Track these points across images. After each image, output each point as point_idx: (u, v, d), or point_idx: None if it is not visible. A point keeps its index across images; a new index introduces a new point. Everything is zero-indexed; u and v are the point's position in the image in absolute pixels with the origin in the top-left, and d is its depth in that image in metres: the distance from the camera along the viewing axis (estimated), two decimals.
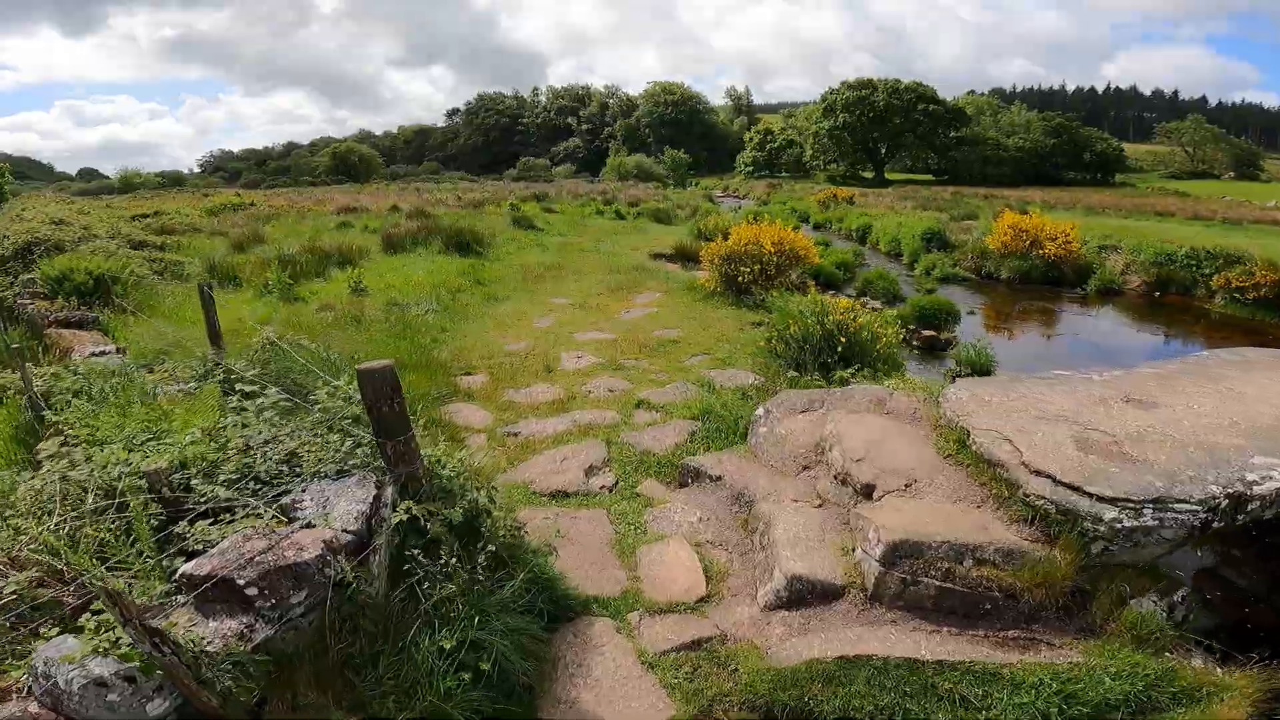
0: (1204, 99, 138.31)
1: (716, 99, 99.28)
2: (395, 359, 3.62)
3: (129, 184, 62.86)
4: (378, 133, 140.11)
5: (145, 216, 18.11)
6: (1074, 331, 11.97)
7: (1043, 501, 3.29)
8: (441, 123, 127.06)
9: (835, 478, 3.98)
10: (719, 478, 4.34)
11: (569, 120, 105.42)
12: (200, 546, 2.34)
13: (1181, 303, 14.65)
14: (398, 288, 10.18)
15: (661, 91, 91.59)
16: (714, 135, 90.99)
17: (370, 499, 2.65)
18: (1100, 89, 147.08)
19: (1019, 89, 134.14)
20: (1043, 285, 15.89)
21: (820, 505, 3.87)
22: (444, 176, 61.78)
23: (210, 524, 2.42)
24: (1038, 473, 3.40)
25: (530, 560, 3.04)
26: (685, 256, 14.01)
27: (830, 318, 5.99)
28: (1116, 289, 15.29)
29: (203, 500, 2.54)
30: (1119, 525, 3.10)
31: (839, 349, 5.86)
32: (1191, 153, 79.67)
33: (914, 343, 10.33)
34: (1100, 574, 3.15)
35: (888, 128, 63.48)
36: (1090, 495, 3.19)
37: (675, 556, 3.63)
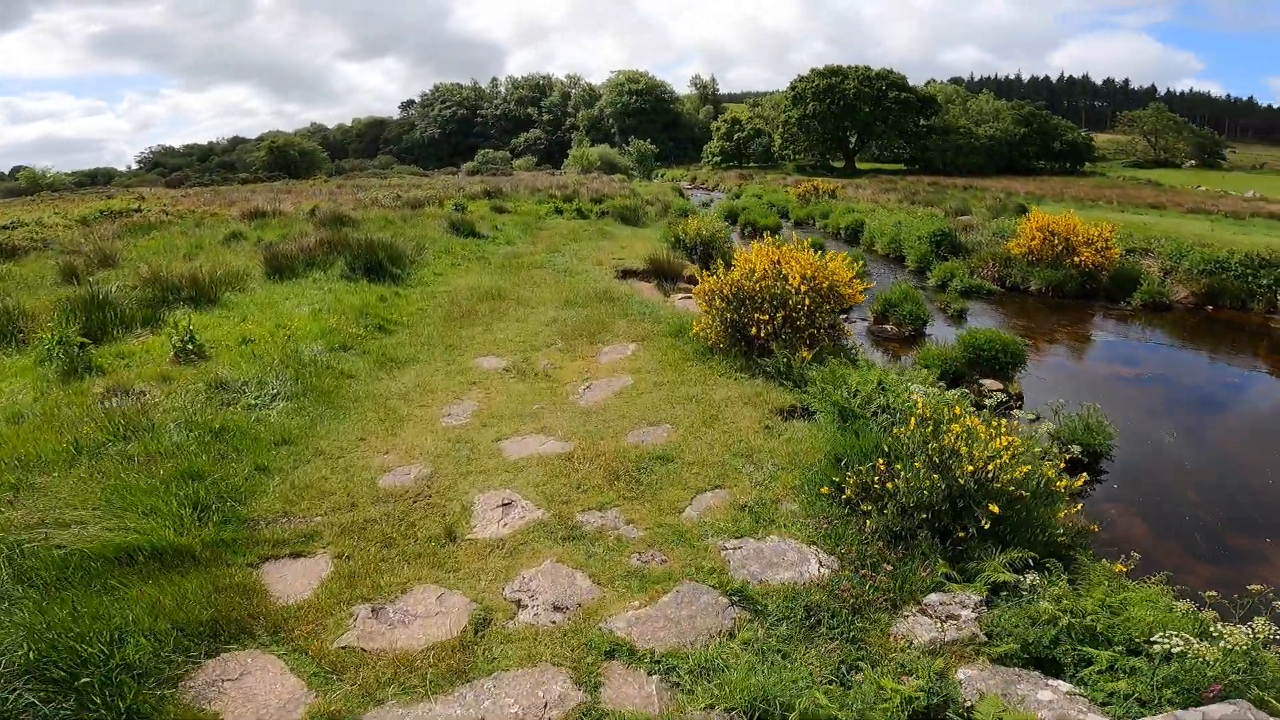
0: (1153, 88, 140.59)
1: (679, 89, 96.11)
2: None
3: (35, 184, 56.89)
4: (330, 126, 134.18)
5: None
6: (1147, 365, 9.53)
7: None
8: (396, 115, 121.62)
9: None
10: None
11: (529, 111, 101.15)
12: None
13: (1238, 318, 12.43)
14: (259, 342, 7.14)
15: (626, 80, 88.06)
16: (680, 125, 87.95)
17: None
18: (1053, 77, 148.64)
19: (976, 77, 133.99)
20: (1078, 298, 13.54)
21: None
22: (393, 171, 57.48)
23: None
24: None
25: None
26: (662, 274, 11.18)
27: (959, 463, 3.23)
28: (1165, 303, 12.99)
29: None
30: None
31: (981, 518, 3.13)
32: (1153, 141, 79.78)
33: (982, 403, 7.74)
34: None
35: (858, 116, 61.36)
36: None
37: None
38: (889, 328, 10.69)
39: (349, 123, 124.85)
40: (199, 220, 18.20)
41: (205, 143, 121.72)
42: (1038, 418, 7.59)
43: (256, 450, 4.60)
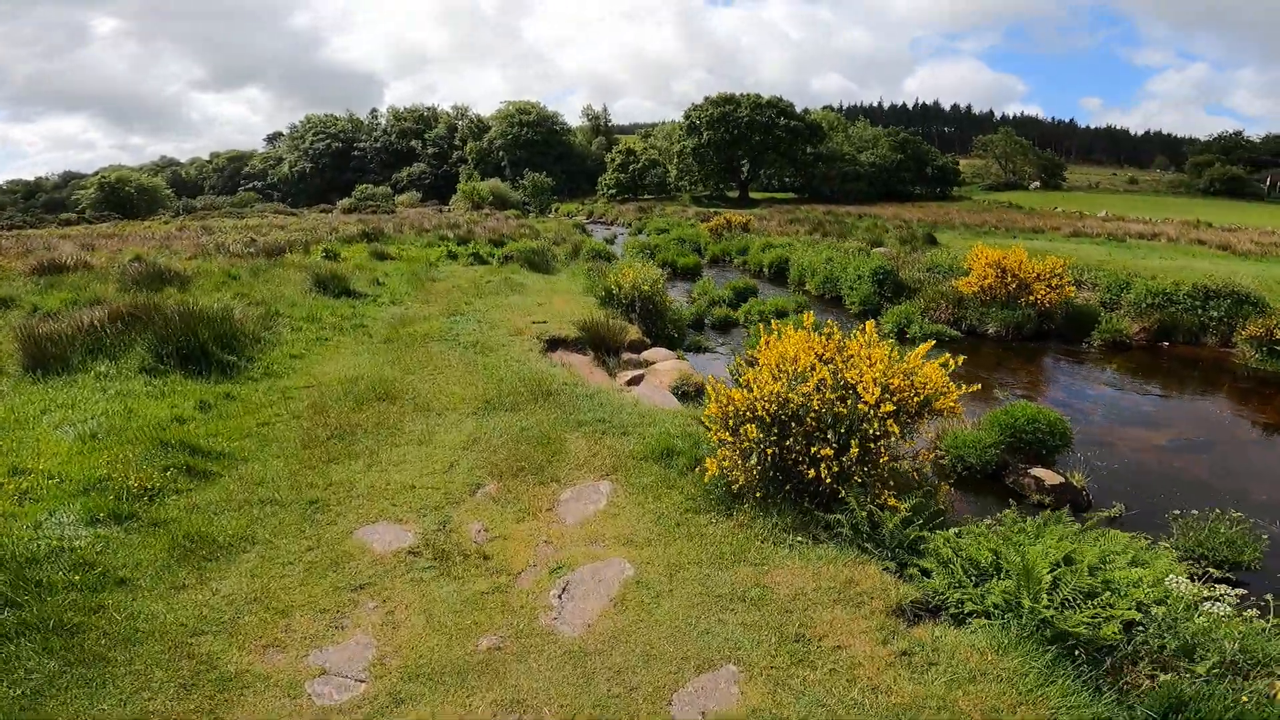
0: (991, 112, 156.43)
1: (569, 119, 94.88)
2: None
3: None
4: (183, 160, 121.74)
5: None
6: (1172, 425, 8.28)
7: None
8: (261, 148, 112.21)
9: None
10: None
11: (413, 144, 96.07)
12: None
13: (1197, 354, 11.87)
14: None
15: (516, 111, 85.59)
16: (572, 156, 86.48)
17: None
18: (909, 104, 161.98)
19: (845, 105, 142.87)
20: (1036, 340, 12.60)
21: None
22: (252, 210, 51.36)
23: None
24: None
25: None
26: (601, 343, 8.85)
27: None
28: (1126, 342, 12.26)
29: None
30: None
31: None
32: (1004, 164, 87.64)
33: (1039, 499, 5.97)
34: None
35: (751, 144, 62.50)
36: None
37: None
38: None
39: (207, 156, 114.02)
40: None
41: (33, 178, 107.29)
42: (1117, 516, 5.97)
43: None
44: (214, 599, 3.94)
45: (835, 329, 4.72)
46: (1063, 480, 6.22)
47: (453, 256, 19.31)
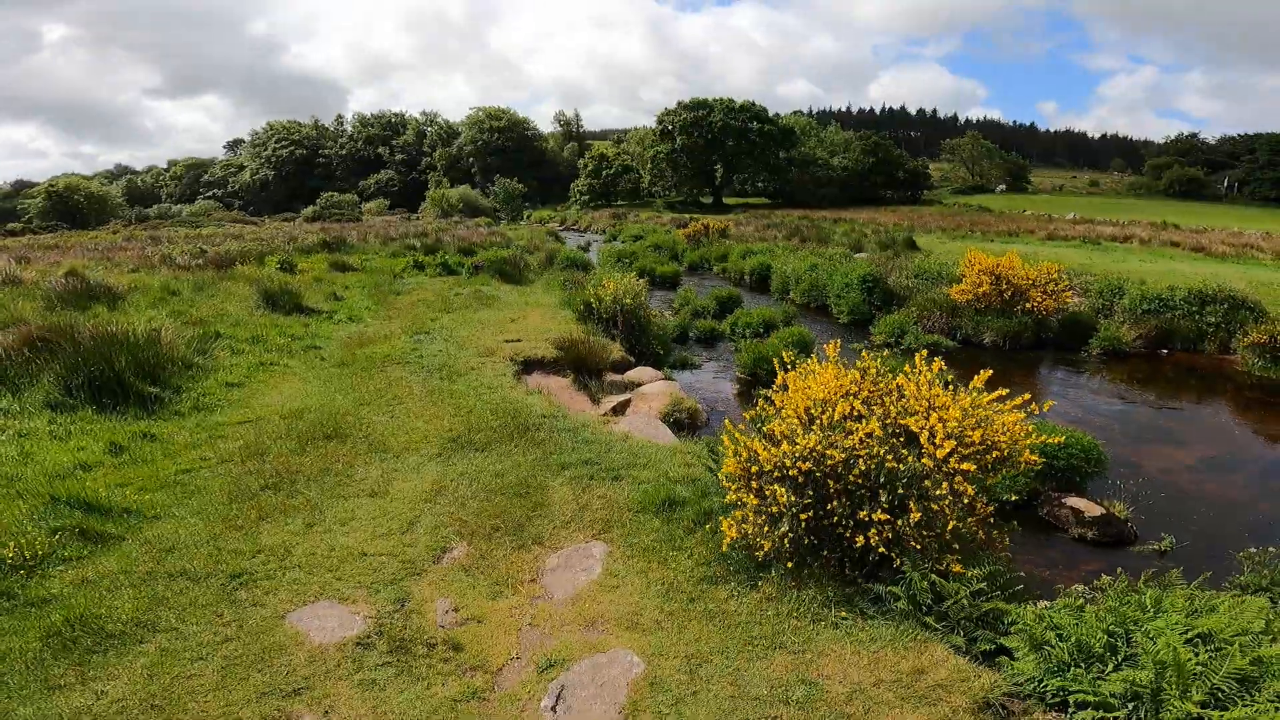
0: (955, 116, 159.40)
1: (541, 126, 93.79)
2: None
3: None
4: (139, 168, 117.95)
5: None
6: (1194, 442, 7.71)
7: None
8: (221, 155, 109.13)
9: None
10: None
11: (380, 150, 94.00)
12: None
13: (1194, 361, 11.46)
14: None
15: (487, 117, 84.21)
16: (545, 163, 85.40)
17: None
18: (876, 109, 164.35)
19: (813, 110, 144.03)
20: (1034, 349, 12.10)
21: None
22: (209, 220, 49.23)
23: None
24: None
25: None
26: (581, 365, 8.00)
27: None
28: (1124, 350, 11.81)
29: None
30: None
31: None
32: (972, 167, 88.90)
33: (1080, 533, 5.32)
34: None
35: (724, 149, 62.21)
36: None
37: None
38: None
39: (164, 165, 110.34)
40: None
41: None
42: (1168, 550, 5.37)
43: None
44: (98, 705, 3.07)
45: (869, 360, 3.96)
46: (1104, 511, 5.58)
47: (419, 267, 18.29)
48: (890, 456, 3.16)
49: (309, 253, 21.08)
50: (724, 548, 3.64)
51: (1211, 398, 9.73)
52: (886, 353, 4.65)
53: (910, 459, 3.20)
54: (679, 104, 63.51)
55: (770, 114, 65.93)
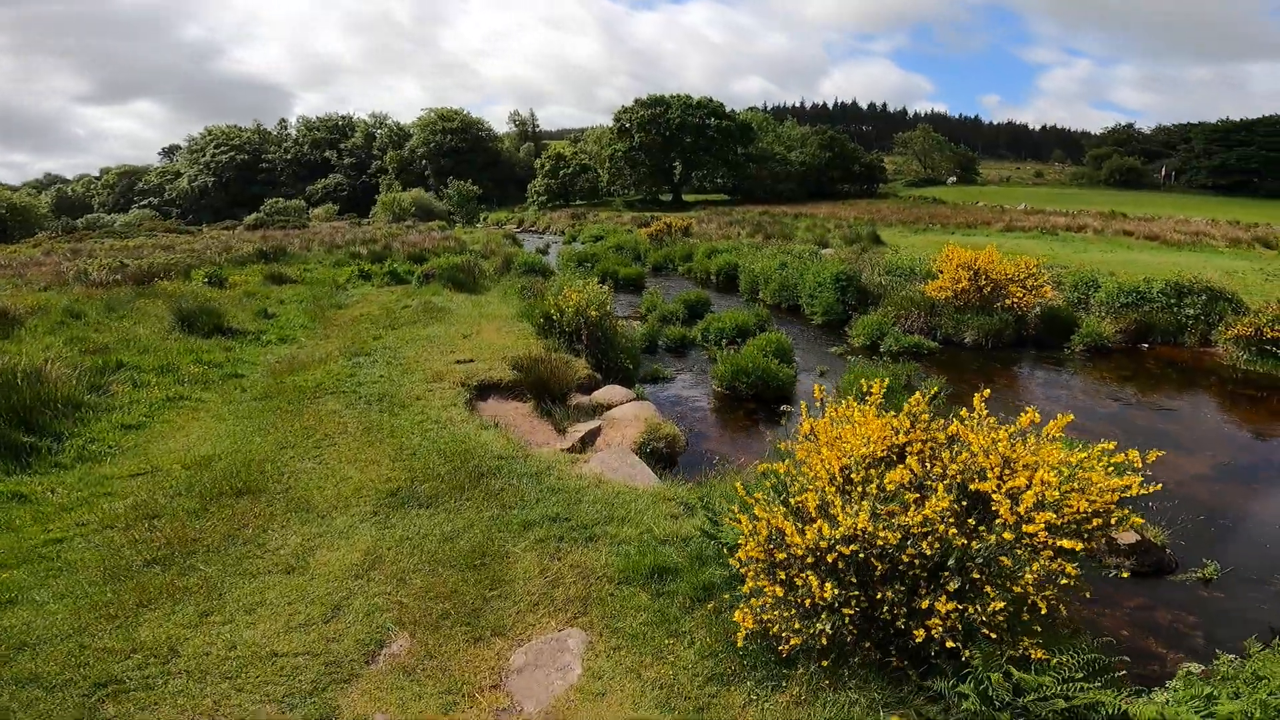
0: (905, 110, 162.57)
1: (497, 127, 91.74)
2: None
3: None
4: (69, 176, 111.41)
5: None
6: (1201, 448, 7.21)
7: None
8: (157, 163, 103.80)
9: None
10: None
11: (328, 154, 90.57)
12: None
13: (1176, 355, 11.17)
14: None
15: (439, 118, 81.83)
16: (500, 164, 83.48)
17: None
18: (829, 104, 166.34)
19: (768, 106, 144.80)
20: (1014, 347, 11.67)
21: None
22: (141, 230, 46.26)
23: None
24: None
25: None
26: (542, 387, 7.07)
27: None
28: (1107, 345, 11.46)
29: None
30: None
31: None
32: (924, 160, 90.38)
33: (1116, 562, 4.68)
34: None
35: (682, 146, 61.66)
36: None
37: None
38: None
39: (97, 173, 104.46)
40: None
41: None
42: (1212, 578, 4.81)
43: None
44: None
45: (918, 402, 3.14)
46: (1139, 538, 4.96)
47: (365, 276, 17.03)
48: (957, 533, 2.40)
49: (244, 264, 19.56)
50: (739, 642, 2.83)
51: (1203, 395, 9.37)
52: (936, 389, 3.89)
53: (983, 531, 2.44)
54: (636, 101, 62.71)
55: (727, 110, 65.66)
